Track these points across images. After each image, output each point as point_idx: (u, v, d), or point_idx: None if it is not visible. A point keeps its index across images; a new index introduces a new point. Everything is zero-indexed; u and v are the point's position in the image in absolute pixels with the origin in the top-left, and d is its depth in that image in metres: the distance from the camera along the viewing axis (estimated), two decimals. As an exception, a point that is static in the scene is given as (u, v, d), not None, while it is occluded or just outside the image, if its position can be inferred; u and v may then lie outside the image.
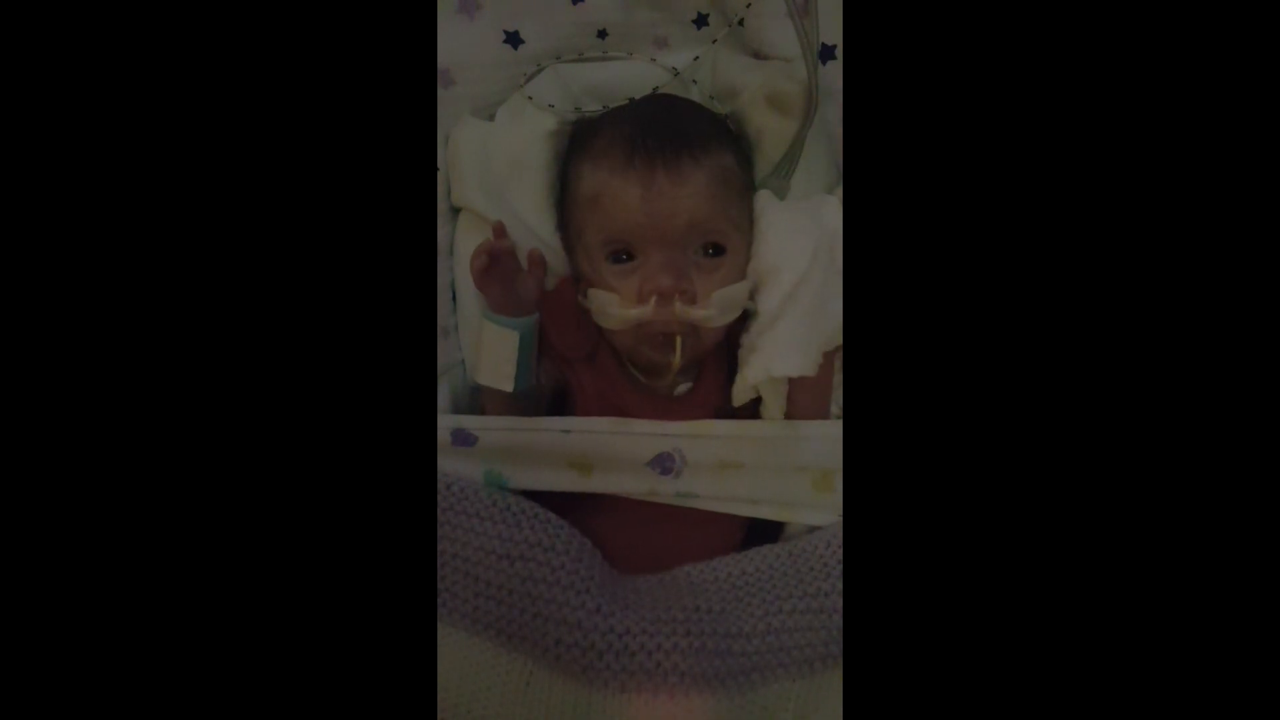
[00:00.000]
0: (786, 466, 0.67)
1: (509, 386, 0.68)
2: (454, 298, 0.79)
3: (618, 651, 0.55)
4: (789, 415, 0.69)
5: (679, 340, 0.67)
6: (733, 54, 0.78)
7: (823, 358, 0.68)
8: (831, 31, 0.73)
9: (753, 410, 0.71)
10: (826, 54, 0.74)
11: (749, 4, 0.74)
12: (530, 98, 0.77)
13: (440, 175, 0.77)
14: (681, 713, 0.54)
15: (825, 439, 0.67)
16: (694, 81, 0.80)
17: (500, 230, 0.71)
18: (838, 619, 0.59)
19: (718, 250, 0.68)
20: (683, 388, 0.73)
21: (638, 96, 0.75)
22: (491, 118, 0.78)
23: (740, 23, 0.76)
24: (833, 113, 0.76)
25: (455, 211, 0.79)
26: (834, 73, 0.74)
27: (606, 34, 0.79)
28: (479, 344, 0.70)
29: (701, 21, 0.79)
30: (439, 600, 0.58)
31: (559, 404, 0.73)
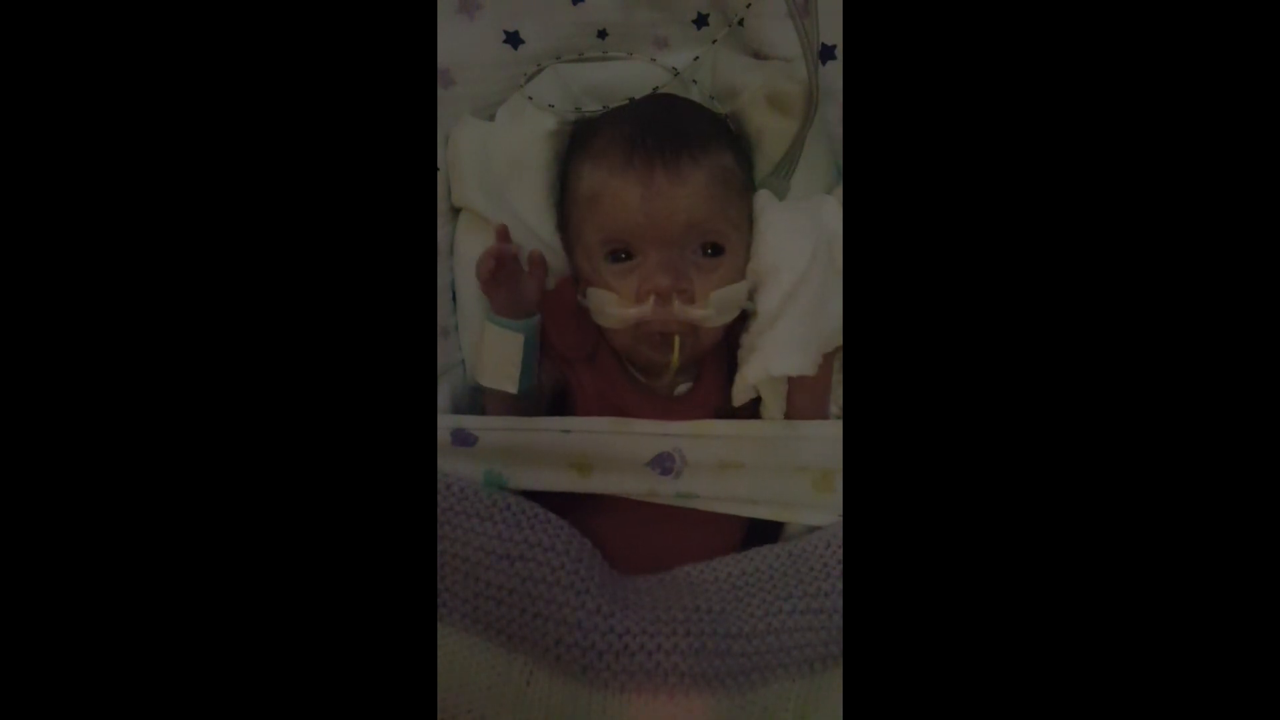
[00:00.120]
0: (786, 466, 0.67)
1: (514, 388, 0.68)
2: (454, 298, 0.79)
3: (617, 651, 0.55)
4: (788, 416, 0.69)
5: (677, 340, 0.67)
6: (733, 54, 0.78)
7: (821, 358, 0.68)
8: (831, 31, 0.73)
9: (753, 410, 0.71)
10: (826, 54, 0.74)
11: (749, 4, 0.74)
12: (530, 98, 0.77)
13: (440, 175, 0.77)
14: (681, 713, 0.54)
15: (825, 439, 0.67)
16: (694, 81, 0.80)
17: (504, 234, 0.71)
18: (838, 619, 0.59)
19: (716, 250, 0.68)
20: (683, 388, 0.73)
21: (638, 96, 0.75)
22: (492, 118, 0.78)
23: (740, 23, 0.76)
24: (833, 113, 0.76)
25: (455, 212, 0.79)
26: (834, 73, 0.74)
27: (606, 34, 0.79)
28: (482, 346, 0.70)
29: (701, 21, 0.79)
30: (439, 600, 0.58)
31: (559, 404, 0.73)
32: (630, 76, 0.77)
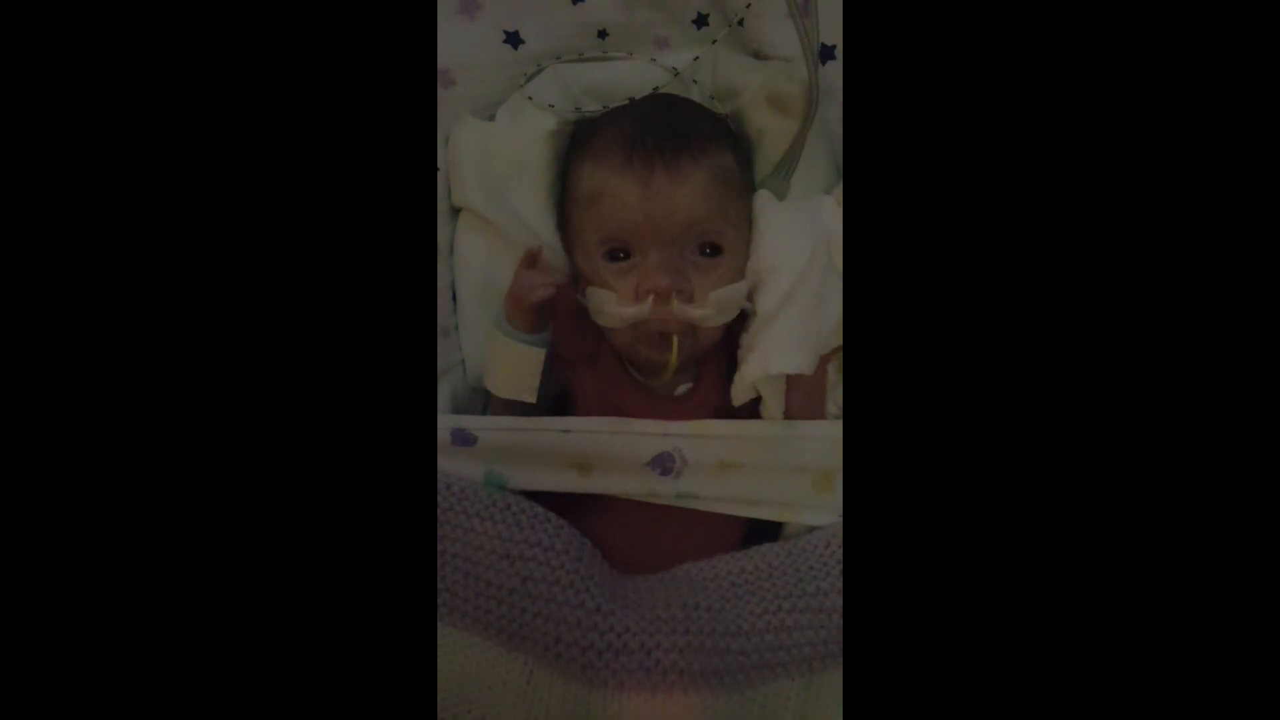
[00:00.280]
0: (786, 467, 0.67)
1: (532, 398, 0.69)
2: (454, 298, 0.79)
3: (617, 650, 0.55)
4: (785, 416, 0.69)
5: (676, 339, 0.67)
6: (733, 54, 0.78)
7: (819, 359, 0.68)
8: (832, 31, 0.73)
9: (753, 411, 0.71)
10: (826, 54, 0.74)
11: (749, 4, 0.74)
12: (530, 98, 0.77)
13: (440, 175, 0.77)
14: (680, 711, 0.54)
15: (825, 439, 0.67)
16: (694, 81, 0.80)
17: (540, 257, 0.71)
18: (837, 619, 0.59)
19: (715, 250, 0.68)
20: (683, 388, 0.73)
21: (638, 96, 0.75)
22: (492, 118, 0.78)
23: (740, 23, 0.76)
24: (833, 113, 0.76)
25: (455, 212, 0.79)
26: (834, 73, 0.74)
27: (607, 34, 0.79)
28: (498, 359, 0.71)
29: (702, 22, 0.79)
30: (439, 600, 0.58)
31: (559, 404, 0.73)
32: (630, 76, 0.77)
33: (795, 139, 0.73)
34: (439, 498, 0.60)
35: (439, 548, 0.59)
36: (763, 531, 0.69)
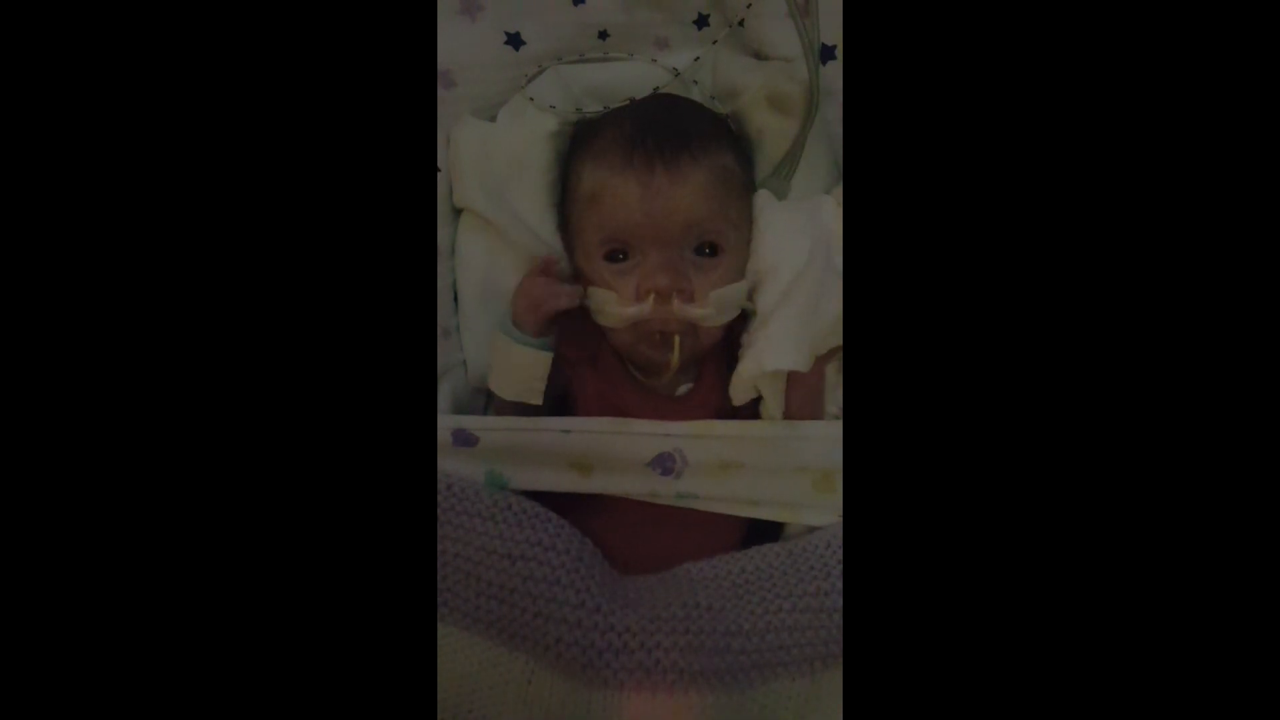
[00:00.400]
0: (787, 467, 0.67)
1: (538, 400, 0.70)
2: (455, 299, 0.79)
3: (617, 650, 0.55)
4: (784, 416, 0.69)
5: (677, 339, 0.67)
6: (733, 54, 0.78)
7: (816, 360, 0.68)
8: (832, 31, 0.73)
9: (753, 411, 0.71)
10: (827, 54, 0.74)
11: (749, 4, 0.74)
12: (532, 98, 0.77)
13: (441, 176, 0.77)
14: (681, 711, 0.54)
15: (826, 439, 0.67)
16: (695, 82, 0.80)
17: (555, 263, 0.72)
18: (838, 619, 0.59)
19: (714, 250, 0.69)
20: (683, 388, 0.74)
21: (638, 97, 0.75)
22: (493, 119, 0.78)
23: (741, 23, 0.76)
24: (833, 113, 0.76)
25: (457, 213, 0.79)
26: (834, 73, 0.74)
27: (607, 35, 0.79)
28: (504, 363, 0.71)
29: (702, 22, 0.79)
30: (441, 600, 0.58)
31: (560, 404, 0.74)
32: (631, 77, 0.77)
33: (795, 139, 0.74)
34: (441, 498, 0.60)
35: (440, 548, 0.59)
36: (763, 532, 0.69)
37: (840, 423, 0.69)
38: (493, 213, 0.75)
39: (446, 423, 0.65)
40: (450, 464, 0.64)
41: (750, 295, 0.70)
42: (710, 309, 0.67)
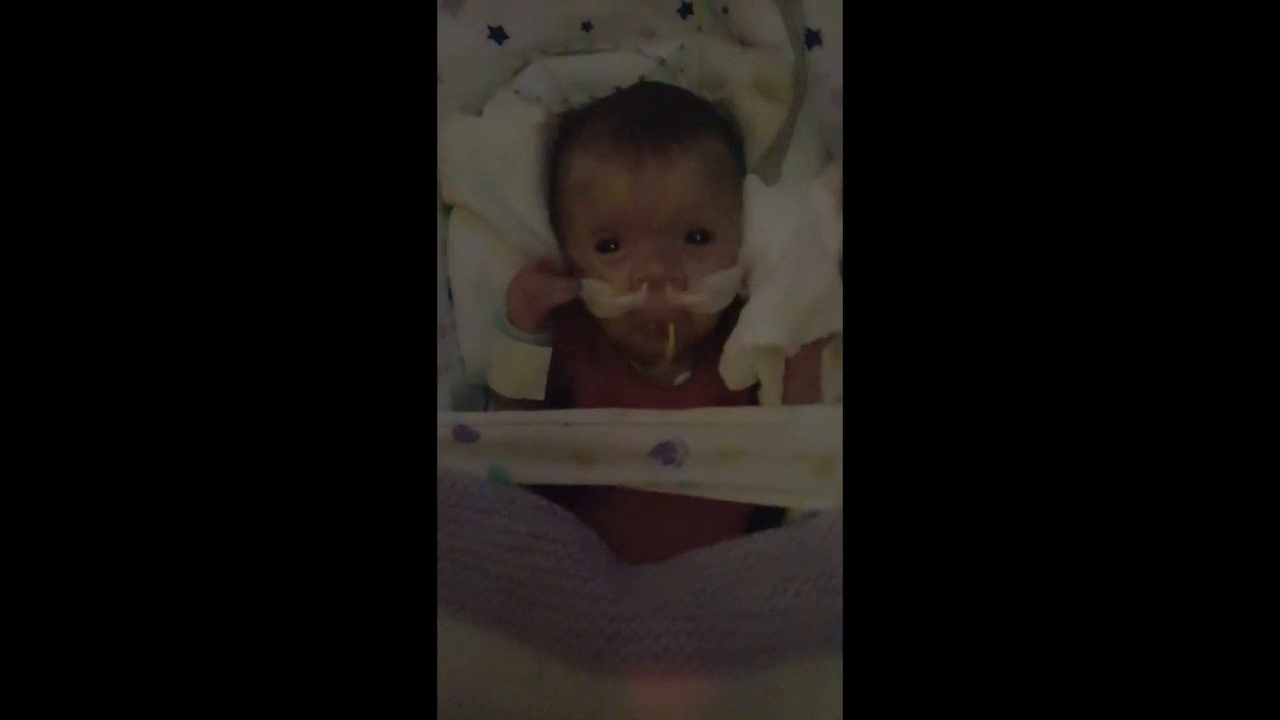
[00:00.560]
0: (787, 453, 0.67)
1: (540, 396, 0.70)
2: (450, 296, 0.79)
3: (626, 638, 0.55)
4: (782, 402, 0.69)
5: (672, 328, 0.67)
6: (719, 42, 0.78)
7: (811, 345, 0.68)
8: (817, 16, 0.73)
9: (753, 399, 0.71)
10: (812, 39, 0.74)
11: (732, -9, 0.74)
12: (517, 92, 0.77)
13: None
14: (691, 697, 0.55)
15: (825, 424, 0.67)
16: (681, 71, 0.80)
17: (548, 265, 0.72)
18: (841, 602, 0.59)
19: (705, 237, 0.69)
20: (682, 378, 0.74)
21: (625, 86, 0.75)
22: (479, 114, 0.78)
23: (725, 10, 0.76)
24: (820, 97, 0.77)
25: (447, 209, 0.79)
26: (820, 58, 0.74)
27: (591, 26, 0.79)
28: (504, 361, 0.71)
29: (686, 10, 0.79)
30: (448, 596, 0.58)
31: (560, 398, 0.74)
32: (617, 67, 0.77)
33: (784, 125, 0.74)
34: (444, 495, 0.60)
35: (447, 544, 0.59)
36: (765, 520, 0.69)
37: (840, 407, 0.69)
38: (483, 208, 0.75)
39: (447, 419, 0.65)
40: (452, 461, 0.64)
41: (743, 281, 0.70)
42: (703, 296, 0.67)
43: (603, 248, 0.69)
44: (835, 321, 0.69)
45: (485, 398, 0.78)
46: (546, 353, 0.70)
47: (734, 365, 0.69)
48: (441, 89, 0.75)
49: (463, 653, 0.57)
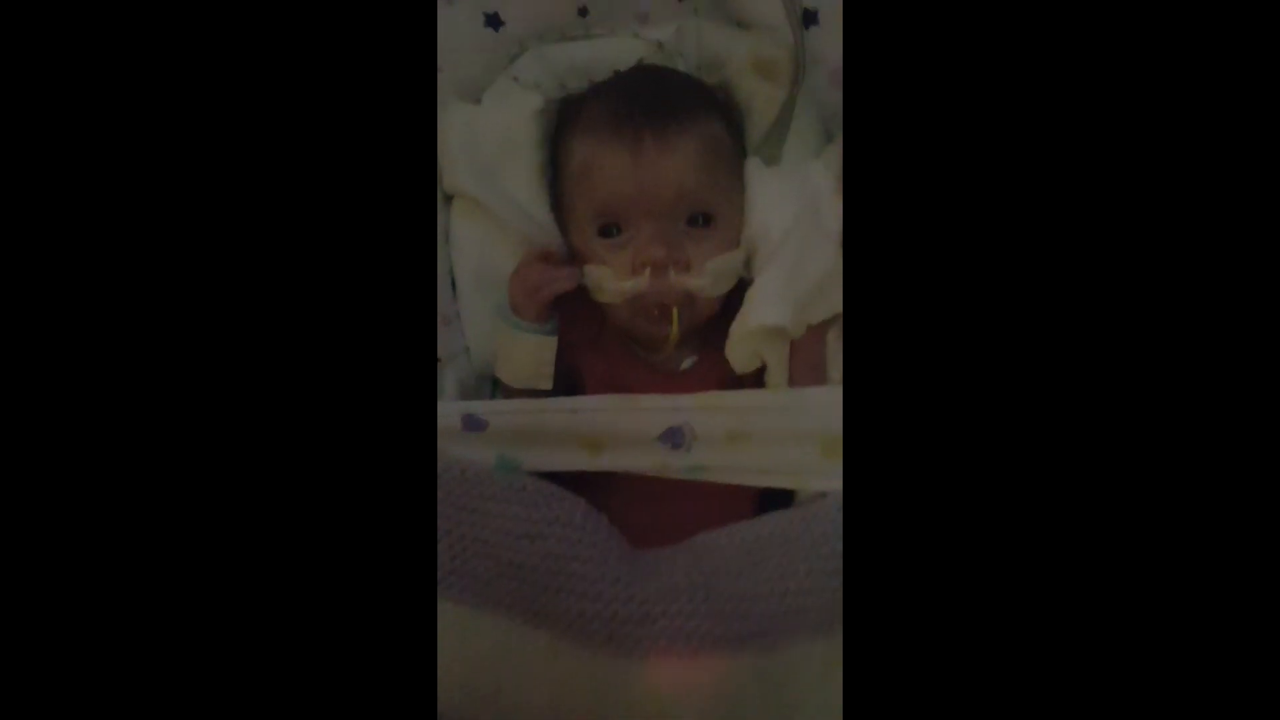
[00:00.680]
0: (793, 434, 0.67)
1: (548, 385, 0.70)
2: (453, 285, 0.79)
3: (640, 619, 0.55)
4: (790, 384, 0.69)
5: (675, 312, 0.67)
6: (717, 24, 0.78)
7: (816, 326, 0.68)
8: (813, -4, 0.72)
9: (759, 382, 0.71)
10: (809, 19, 0.73)
11: (730, -28, 0.74)
12: (516, 78, 0.76)
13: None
14: (707, 675, 0.55)
15: (830, 405, 0.67)
16: (679, 54, 0.80)
17: (550, 255, 0.72)
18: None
19: (707, 220, 0.69)
20: (688, 363, 0.74)
21: (623, 70, 0.74)
22: (477, 101, 0.78)
23: (721, -8, 0.76)
24: (819, 78, 0.76)
25: (448, 199, 0.78)
26: (817, 37, 0.74)
27: (587, 12, 0.78)
28: (510, 352, 0.71)
29: (682, -7, 0.79)
30: (460, 584, 0.58)
31: (566, 385, 0.74)
32: (614, 52, 0.77)
33: (784, 105, 0.73)
34: (454, 483, 0.60)
35: (458, 532, 0.59)
36: (774, 502, 0.69)
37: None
38: (484, 196, 0.75)
39: (455, 409, 0.65)
40: (461, 450, 0.64)
41: (746, 264, 0.70)
42: (706, 279, 0.67)
43: (604, 233, 0.69)
44: (839, 302, 0.69)
45: (492, 387, 0.78)
46: (552, 342, 0.70)
47: (740, 348, 0.69)
48: (439, 78, 0.75)
49: (477, 640, 0.57)
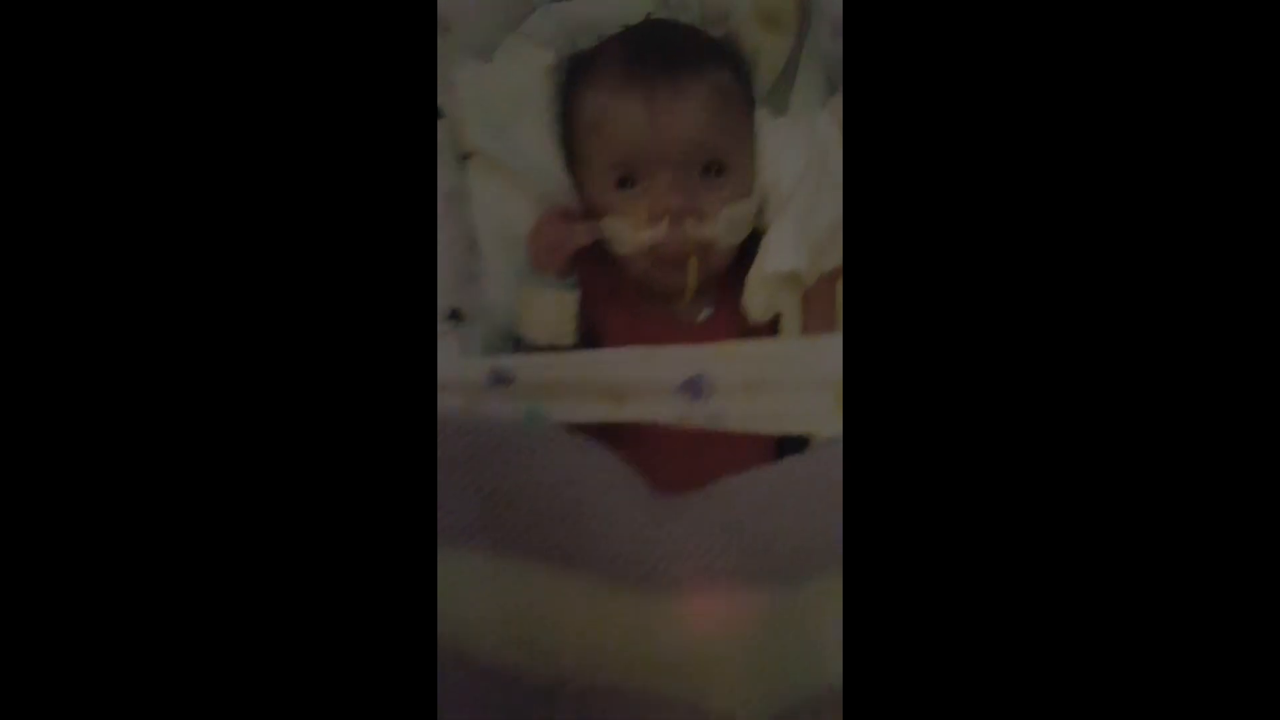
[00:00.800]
0: (808, 382, 0.69)
1: (572, 340, 0.71)
2: (476, 244, 0.79)
3: (673, 558, 0.57)
4: (803, 333, 0.71)
5: (693, 261, 0.68)
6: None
7: (821, 278, 0.69)
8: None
9: (775, 331, 0.72)
10: (812, -30, 0.73)
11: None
12: (527, 36, 0.76)
13: (443, 123, 0.76)
14: (740, 609, 0.57)
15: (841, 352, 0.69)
16: (685, 7, 0.80)
17: (567, 212, 0.73)
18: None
19: (720, 170, 0.70)
20: (705, 314, 0.75)
21: (632, 24, 0.75)
22: (489, 60, 0.78)
23: (725, -57, 0.76)
24: (822, 29, 0.76)
25: (464, 158, 0.79)
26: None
27: (594, -32, 0.78)
28: (532, 307, 0.72)
29: (686, -54, 0.78)
30: (494, 537, 0.60)
31: (590, 338, 0.75)
32: (622, 7, 0.77)
33: (790, 55, 0.74)
34: (485, 437, 0.61)
35: (490, 486, 0.60)
36: (792, 447, 0.71)
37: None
38: (500, 153, 0.75)
39: (483, 364, 0.66)
40: (491, 404, 0.65)
41: (759, 213, 0.71)
42: (722, 227, 0.68)
43: (621, 184, 0.69)
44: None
45: (516, 342, 0.79)
46: (574, 296, 0.71)
47: (757, 295, 0.71)
48: (451, 39, 0.75)
49: (516, 592, 0.58)
